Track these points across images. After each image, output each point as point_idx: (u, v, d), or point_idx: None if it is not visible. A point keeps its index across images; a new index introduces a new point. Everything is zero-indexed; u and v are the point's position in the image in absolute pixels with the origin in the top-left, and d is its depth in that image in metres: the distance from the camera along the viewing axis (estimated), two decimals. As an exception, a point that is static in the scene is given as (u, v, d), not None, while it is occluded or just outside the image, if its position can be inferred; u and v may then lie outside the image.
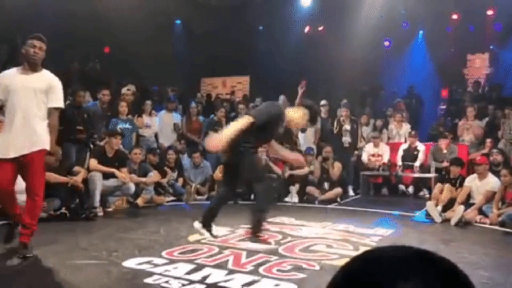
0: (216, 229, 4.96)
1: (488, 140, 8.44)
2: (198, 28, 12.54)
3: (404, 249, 0.60)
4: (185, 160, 8.65)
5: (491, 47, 13.19)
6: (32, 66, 4.00)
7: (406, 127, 9.41)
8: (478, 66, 13.55)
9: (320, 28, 13.58)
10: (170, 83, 11.33)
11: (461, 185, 6.55)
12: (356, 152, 9.17)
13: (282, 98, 9.70)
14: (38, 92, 3.96)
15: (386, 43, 13.64)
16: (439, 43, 12.76)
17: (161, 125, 8.73)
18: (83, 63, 10.94)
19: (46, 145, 4.02)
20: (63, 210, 5.89)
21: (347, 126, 9.04)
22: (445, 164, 7.94)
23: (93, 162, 6.46)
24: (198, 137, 9.26)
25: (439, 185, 6.70)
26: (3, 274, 3.62)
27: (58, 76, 4.23)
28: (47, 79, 4.05)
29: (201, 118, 9.61)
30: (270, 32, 13.38)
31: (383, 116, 10.07)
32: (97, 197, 6.25)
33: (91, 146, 7.10)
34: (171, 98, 9.99)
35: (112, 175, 6.51)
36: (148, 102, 8.57)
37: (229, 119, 9.67)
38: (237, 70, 14.17)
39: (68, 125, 6.82)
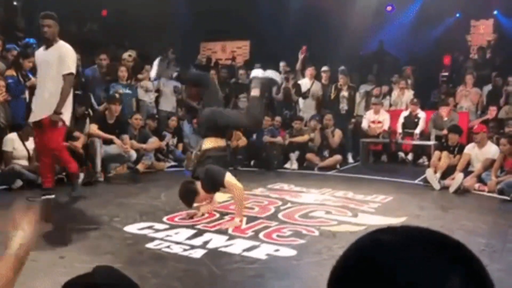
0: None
1: (492, 108, 8.37)
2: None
3: (416, 230, 0.59)
4: (185, 126, 8.62)
5: (495, 12, 12.92)
6: (47, 42, 4.76)
7: (408, 94, 9.31)
8: (482, 32, 13.31)
9: (323, -8, 13.25)
10: (169, 47, 11.12)
11: (459, 152, 6.55)
12: (353, 120, 9.12)
13: (282, 64, 9.58)
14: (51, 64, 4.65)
15: (389, 8, 13.33)
16: (443, 9, 12.47)
17: (161, 89, 8.65)
18: (80, 25, 10.70)
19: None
20: (62, 175, 5.91)
21: (344, 93, 8.95)
22: (445, 131, 7.91)
23: (93, 127, 6.42)
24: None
25: (437, 152, 6.68)
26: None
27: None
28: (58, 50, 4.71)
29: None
30: (271, -4, 13.06)
31: (387, 82, 9.93)
32: (98, 162, 6.25)
33: (90, 111, 7.06)
34: (168, 63, 9.82)
35: (113, 141, 6.49)
36: (148, 67, 8.46)
37: (229, 84, 9.58)
38: (237, 34, 13.91)
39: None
